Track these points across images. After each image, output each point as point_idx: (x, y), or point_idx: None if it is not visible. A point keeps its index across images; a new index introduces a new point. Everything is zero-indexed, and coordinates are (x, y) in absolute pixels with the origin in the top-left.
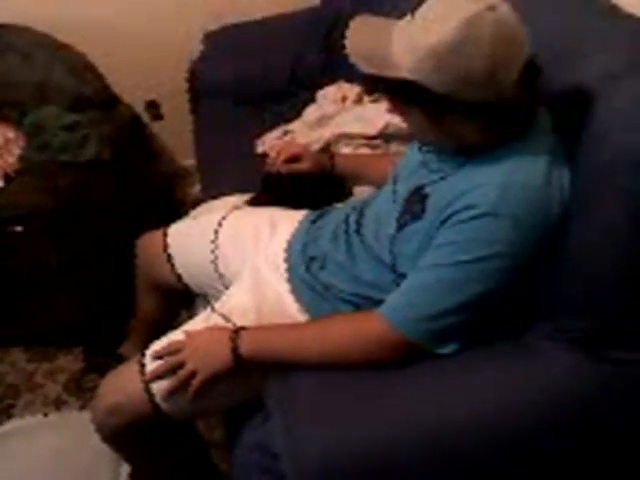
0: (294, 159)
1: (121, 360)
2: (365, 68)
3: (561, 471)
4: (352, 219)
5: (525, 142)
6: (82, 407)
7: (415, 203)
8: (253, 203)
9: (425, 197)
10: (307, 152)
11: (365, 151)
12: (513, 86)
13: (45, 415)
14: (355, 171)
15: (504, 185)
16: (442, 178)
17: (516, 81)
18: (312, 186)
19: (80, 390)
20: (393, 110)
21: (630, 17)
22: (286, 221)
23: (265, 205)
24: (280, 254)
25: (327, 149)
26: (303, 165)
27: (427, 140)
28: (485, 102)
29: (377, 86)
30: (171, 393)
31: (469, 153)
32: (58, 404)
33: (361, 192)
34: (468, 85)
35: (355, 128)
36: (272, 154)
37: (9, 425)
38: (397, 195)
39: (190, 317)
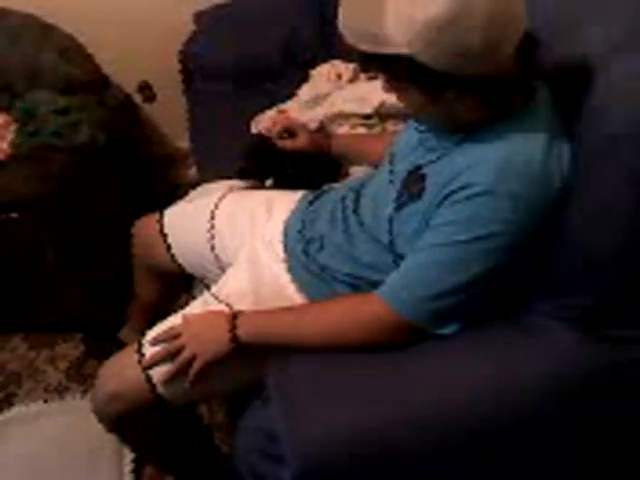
0: (290, 134)
1: (121, 345)
2: (358, 45)
3: (561, 450)
4: (349, 199)
5: (523, 117)
6: (84, 393)
7: (413, 183)
8: (241, 175)
9: (423, 177)
10: (303, 128)
11: (361, 130)
12: (510, 59)
13: (46, 402)
14: (352, 151)
15: (502, 162)
16: (440, 157)
17: (513, 54)
18: (306, 164)
19: (81, 376)
20: (388, 89)
21: None
22: (283, 202)
23: (254, 176)
24: (277, 235)
25: (323, 129)
26: (298, 141)
27: (424, 118)
28: (482, 76)
29: (371, 64)
30: (170, 379)
31: (466, 131)
32: (60, 391)
33: (358, 172)
34: (464, 59)
35: (350, 107)
36: (267, 125)
37: (11, 412)
38: (394, 175)
39: (189, 301)
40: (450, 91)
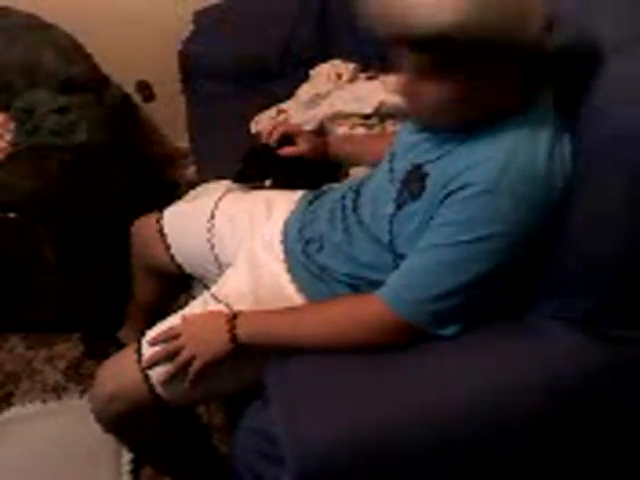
0: (289, 140)
1: (120, 345)
2: (387, 30)
3: (563, 451)
4: (349, 199)
5: (526, 117)
6: (82, 393)
7: (414, 182)
8: (238, 179)
9: (424, 176)
10: (303, 133)
11: (360, 130)
12: (535, 38)
13: (45, 402)
14: (351, 153)
15: (505, 161)
16: (441, 156)
17: (538, 33)
18: (304, 167)
19: (80, 376)
20: (406, 85)
21: None
22: (282, 202)
23: (251, 180)
24: (277, 236)
25: (320, 133)
26: (299, 148)
27: (437, 113)
28: (512, 50)
29: (398, 51)
30: (169, 379)
31: (470, 129)
32: (58, 391)
33: (358, 173)
34: (498, 30)
35: (350, 107)
36: (266, 129)
37: (9, 413)
38: (394, 174)
39: (188, 301)
40: (483, 69)
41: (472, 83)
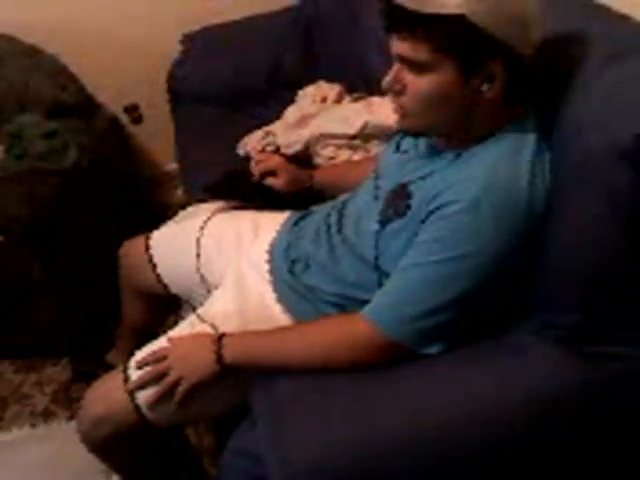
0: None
1: (109, 368)
2: (407, 4)
3: (549, 466)
4: (333, 219)
5: (509, 132)
6: (70, 418)
7: (399, 200)
8: (207, 190)
9: (409, 194)
10: (284, 167)
11: (345, 151)
12: (535, 46)
13: (33, 427)
14: (335, 184)
15: (487, 179)
16: (427, 175)
17: (537, 42)
18: (278, 195)
19: (68, 400)
20: (398, 78)
21: (605, 10)
22: (269, 223)
23: (219, 196)
24: (263, 257)
25: (307, 153)
26: (278, 181)
27: (425, 117)
28: (513, 48)
29: (411, 27)
30: (156, 402)
31: (457, 149)
32: (46, 415)
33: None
34: (505, 25)
35: (335, 128)
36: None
37: None
38: (379, 191)
39: (177, 323)
40: (489, 65)
41: (463, 78)
